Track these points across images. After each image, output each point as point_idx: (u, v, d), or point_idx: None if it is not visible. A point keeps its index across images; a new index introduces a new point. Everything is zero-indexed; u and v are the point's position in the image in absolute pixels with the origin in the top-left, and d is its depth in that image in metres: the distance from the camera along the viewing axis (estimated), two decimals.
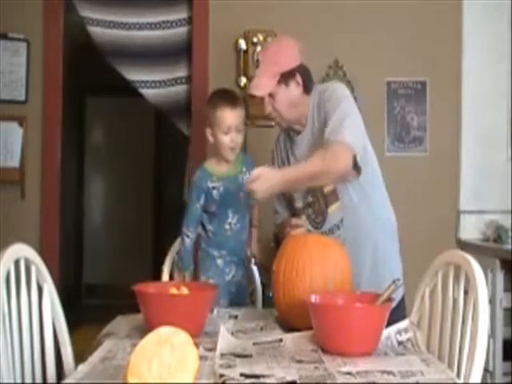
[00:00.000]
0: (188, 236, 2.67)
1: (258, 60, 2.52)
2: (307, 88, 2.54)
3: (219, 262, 2.71)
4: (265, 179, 2.28)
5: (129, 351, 1.77)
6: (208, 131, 2.67)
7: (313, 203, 2.57)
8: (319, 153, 2.33)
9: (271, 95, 2.49)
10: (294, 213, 2.64)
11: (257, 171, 2.31)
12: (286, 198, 2.69)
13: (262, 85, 2.48)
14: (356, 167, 2.40)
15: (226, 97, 2.66)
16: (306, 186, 2.47)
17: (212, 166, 2.69)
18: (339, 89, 2.54)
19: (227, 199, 2.64)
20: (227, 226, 2.67)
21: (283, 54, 2.51)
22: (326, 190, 2.51)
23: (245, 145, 3.59)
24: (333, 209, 2.52)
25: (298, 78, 2.51)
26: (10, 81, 3.91)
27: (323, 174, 2.34)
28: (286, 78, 2.49)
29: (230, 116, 2.60)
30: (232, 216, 2.67)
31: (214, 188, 2.63)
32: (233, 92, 2.82)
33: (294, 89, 2.51)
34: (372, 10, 3.99)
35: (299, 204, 2.61)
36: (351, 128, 2.37)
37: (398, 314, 2.18)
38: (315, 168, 2.31)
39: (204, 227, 2.72)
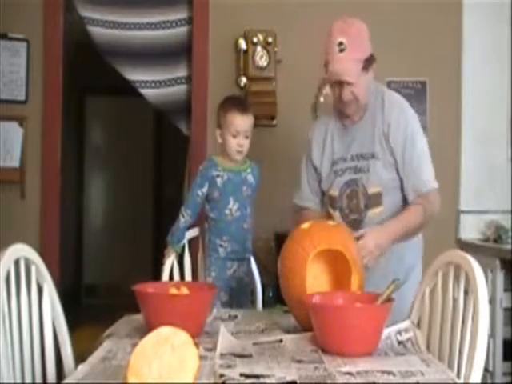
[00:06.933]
0: (183, 216, 2.85)
1: (340, 43, 2.42)
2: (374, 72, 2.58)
3: (221, 251, 2.79)
4: (375, 248, 2.29)
5: (129, 351, 1.77)
6: (218, 132, 2.83)
7: (350, 197, 2.56)
8: (416, 208, 2.45)
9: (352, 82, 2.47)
10: (326, 200, 2.64)
11: (361, 237, 2.29)
12: (316, 179, 2.68)
13: (352, 71, 2.44)
14: None
15: (239, 103, 2.86)
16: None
17: (219, 158, 2.84)
18: (407, 110, 2.58)
19: (229, 187, 2.79)
20: (227, 211, 2.78)
21: (363, 38, 2.50)
22: (371, 191, 2.51)
23: None
24: (374, 212, 2.51)
25: (374, 64, 2.53)
26: (10, 81, 3.91)
27: (425, 224, 2.51)
28: (366, 64, 2.48)
29: (240, 121, 2.77)
30: (233, 203, 2.78)
31: (218, 176, 2.79)
32: (245, 99, 3.08)
33: (370, 76, 2.53)
34: (372, 9, 3.99)
35: (335, 192, 2.59)
36: (429, 164, 2.55)
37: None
38: (417, 221, 2.46)
39: (207, 218, 2.85)
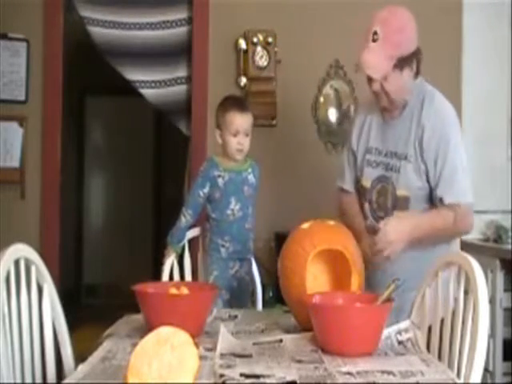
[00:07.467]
0: (185, 216, 2.85)
1: (375, 32, 2.30)
2: (418, 73, 2.46)
3: (223, 251, 2.80)
4: (396, 239, 2.28)
5: (129, 351, 1.77)
6: (217, 133, 2.84)
7: (379, 193, 2.51)
8: (447, 214, 2.36)
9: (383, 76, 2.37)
10: (358, 189, 2.62)
11: (385, 229, 2.28)
12: (354, 163, 2.64)
13: (378, 67, 2.33)
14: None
15: (237, 102, 2.88)
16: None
17: (219, 158, 2.85)
18: (446, 115, 2.45)
19: (231, 187, 2.79)
20: (229, 212, 2.79)
21: (405, 35, 2.36)
22: (399, 193, 2.44)
23: None
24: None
25: (413, 65, 2.41)
26: (10, 81, 3.91)
27: (450, 235, 2.45)
28: (402, 63, 2.35)
29: (240, 120, 2.78)
30: (234, 203, 2.79)
31: (219, 176, 2.80)
32: (243, 99, 3.11)
33: (407, 75, 2.40)
34: (372, 9, 3.98)
35: (367, 183, 2.55)
36: (463, 176, 2.40)
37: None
38: (446, 228, 2.37)
39: (209, 218, 2.85)
